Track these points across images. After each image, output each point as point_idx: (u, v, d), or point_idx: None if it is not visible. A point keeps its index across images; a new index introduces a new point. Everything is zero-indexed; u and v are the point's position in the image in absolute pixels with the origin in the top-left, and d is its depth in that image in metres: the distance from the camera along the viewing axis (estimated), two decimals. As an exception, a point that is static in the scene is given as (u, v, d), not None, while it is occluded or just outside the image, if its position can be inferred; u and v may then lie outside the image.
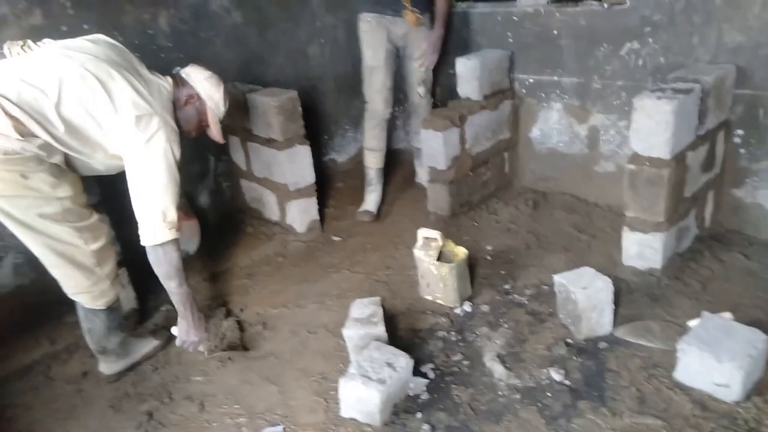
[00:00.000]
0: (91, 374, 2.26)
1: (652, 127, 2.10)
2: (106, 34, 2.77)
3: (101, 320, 2.13)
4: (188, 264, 2.96)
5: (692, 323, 2.00)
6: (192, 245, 3.08)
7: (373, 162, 3.36)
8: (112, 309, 2.17)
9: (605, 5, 2.70)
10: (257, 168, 3.19)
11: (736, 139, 2.51)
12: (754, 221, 2.58)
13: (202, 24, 3.14)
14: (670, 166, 2.14)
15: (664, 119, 2.06)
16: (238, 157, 3.31)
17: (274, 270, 2.89)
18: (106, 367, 2.21)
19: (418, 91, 3.25)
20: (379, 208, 3.37)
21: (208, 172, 3.36)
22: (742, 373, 1.69)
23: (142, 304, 2.60)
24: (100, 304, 2.10)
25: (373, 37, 3.06)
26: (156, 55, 2.99)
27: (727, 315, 2.03)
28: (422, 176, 3.43)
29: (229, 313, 2.54)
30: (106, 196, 2.40)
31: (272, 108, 2.84)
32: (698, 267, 2.43)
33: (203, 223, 3.21)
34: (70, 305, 2.14)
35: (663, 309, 2.22)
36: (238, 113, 3.11)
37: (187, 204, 3.15)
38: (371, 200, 3.38)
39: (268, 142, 2.98)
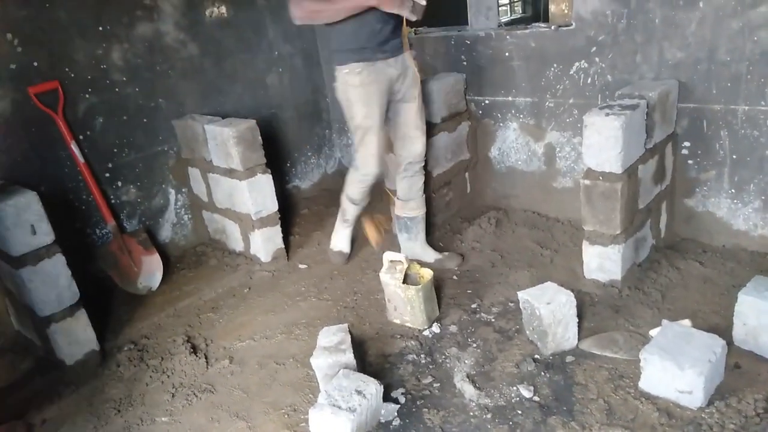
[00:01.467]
0: (49, 421, 2.17)
1: (603, 143, 2.17)
2: (58, 71, 2.76)
3: None
4: (150, 300, 2.92)
5: (653, 332, 2.05)
6: (154, 280, 3.03)
7: (354, 212, 2.97)
8: None
9: (552, 27, 2.80)
10: (219, 199, 3.15)
11: (684, 151, 2.61)
12: (707, 229, 2.67)
13: (156, 57, 3.12)
14: (623, 180, 2.21)
15: (614, 135, 2.13)
16: (198, 188, 3.27)
17: (239, 301, 2.84)
18: None
19: (416, 141, 2.69)
20: (352, 247, 3.08)
21: (168, 205, 3.31)
22: (703, 379, 1.73)
23: (103, 344, 2.52)
24: None
25: (367, 92, 2.47)
26: (111, 89, 2.96)
27: (686, 322, 2.08)
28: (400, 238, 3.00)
29: (194, 349, 2.48)
30: (66, 233, 2.34)
31: (231, 138, 2.83)
32: (657, 276, 2.49)
33: (165, 257, 3.17)
34: None
35: (625, 319, 2.27)
36: (197, 144, 3.09)
37: (148, 238, 3.10)
38: (344, 236, 3.02)
39: (229, 173, 2.96)
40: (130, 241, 3.02)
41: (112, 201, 3.04)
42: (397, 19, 2.41)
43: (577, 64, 2.77)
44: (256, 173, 2.94)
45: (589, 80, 2.77)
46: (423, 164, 2.78)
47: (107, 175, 3.02)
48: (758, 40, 2.27)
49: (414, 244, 2.90)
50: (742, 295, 1.94)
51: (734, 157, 2.48)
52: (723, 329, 2.04)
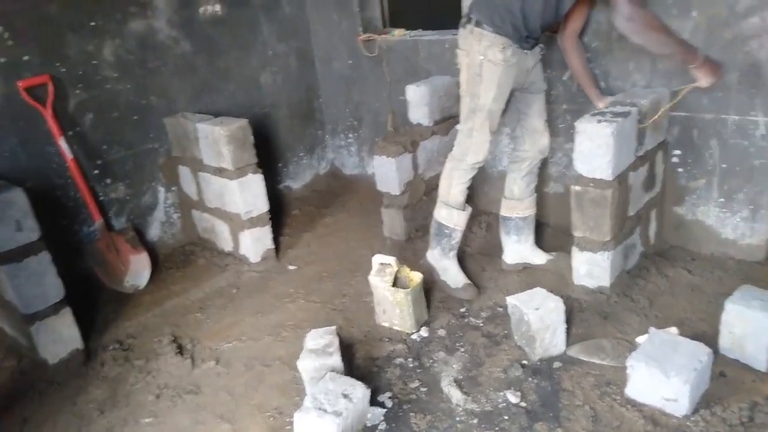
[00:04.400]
0: (30, 420, 2.14)
1: (594, 150, 2.17)
2: (49, 66, 2.74)
3: None
4: (137, 299, 2.90)
5: (640, 339, 2.05)
6: (141, 279, 3.00)
7: (463, 221, 2.57)
8: None
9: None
10: (209, 198, 3.13)
11: (674, 159, 2.62)
12: (695, 237, 2.68)
13: (149, 54, 3.10)
14: (613, 187, 2.21)
15: (605, 142, 2.13)
16: (188, 187, 3.24)
17: (227, 302, 2.82)
18: None
19: (544, 134, 2.55)
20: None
21: (157, 203, 3.28)
22: (688, 387, 1.73)
23: (87, 343, 2.49)
24: None
25: (507, 73, 2.24)
26: (101, 86, 2.93)
27: (674, 330, 2.09)
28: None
29: (180, 349, 2.46)
30: (52, 230, 2.32)
31: (222, 137, 2.81)
32: (645, 283, 2.50)
33: (153, 256, 3.14)
34: None
35: (613, 326, 2.27)
36: (188, 143, 3.07)
37: (136, 237, 3.08)
38: (456, 267, 2.63)
39: (220, 172, 2.94)
40: (118, 239, 2.99)
41: (101, 198, 3.01)
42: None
43: (568, 70, 2.77)
44: (247, 173, 2.92)
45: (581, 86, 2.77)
46: None
47: (96, 172, 2.99)
48: (749, 51, 2.28)
49: (523, 246, 2.72)
50: (729, 304, 1.95)
51: (724, 166, 2.49)
52: (710, 337, 2.04)
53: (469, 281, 2.57)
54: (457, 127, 2.47)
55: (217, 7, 3.36)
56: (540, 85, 2.45)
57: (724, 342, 2.00)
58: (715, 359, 1.90)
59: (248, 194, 2.94)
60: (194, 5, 3.26)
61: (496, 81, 2.24)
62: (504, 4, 2.17)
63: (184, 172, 3.22)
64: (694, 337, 2.02)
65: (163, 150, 3.25)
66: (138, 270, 3.01)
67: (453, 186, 2.49)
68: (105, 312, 2.78)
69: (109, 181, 3.05)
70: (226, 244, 3.19)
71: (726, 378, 1.92)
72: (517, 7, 2.15)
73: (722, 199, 2.55)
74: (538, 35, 2.31)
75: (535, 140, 2.53)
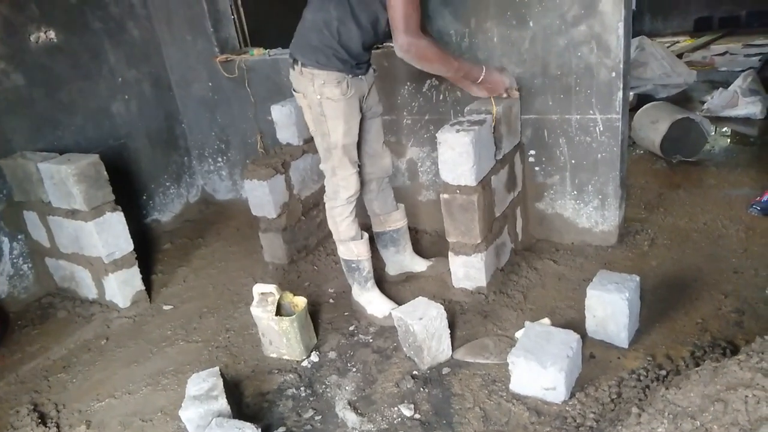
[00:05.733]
0: None
1: (457, 158, 2.26)
2: None
3: None
4: (-17, 371, 2.54)
5: (518, 334, 2.16)
6: (-12, 345, 2.64)
7: (363, 249, 2.49)
8: None
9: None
10: (63, 243, 2.84)
11: (531, 159, 2.80)
12: (557, 229, 2.89)
13: (-28, 90, 2.75)
14: (478, 191, 2.31)
15: (465, 150, 2.23)
16: (38, 233, 2.92)
17: (96, 356, 2.56)
18: None
19: (385, 156, 2.56)
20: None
21: (2, 255, 2.92)
22: (563, 374, 1.85)
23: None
24: None
25: (350, 105, 2.21)
26: None
27: (546, 321, 2.22)
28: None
29: (42, 419, 2.19)
30: None
31: (71, 176, 2.56)
32: (518, 278, 2.64)
33: (1, 316, 2.79)
34: None
35: (494, 324, 2.37)
36: (31, 185, 2.76)
37: (-23, 298, 2.70)
38: (380, 297, 2.55)
39: (72, 214, 2.68)
40: (-47, 302, 2.61)
41: (-73, 259, 2.62)
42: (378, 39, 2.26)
43: (428, 81, 2.87)
44: (104, 212, 2.68)
45: (441, 96, 2.89)
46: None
47: None
48: (581, 56, 2.50)
49: (403, 257, 2.77)
50: (590, 290, 2.11)
51: (573, 162, 2.71)
52: (578, 322, 2.20)
53: (394, 306, 2.45)
54: (320, 166, 2.44)
55: (52, 34, 3.06)
56: (376, 109, 2.44)
57: (590, 325, 2.16)
58: (584, 343, 2.05)
59: (108, 235, 2.70)
60: (23, 33, 2.94)
61: (342, 116, 2.21)
62: (322, 42, 2.14)
63: (31, 218, 2.89)
64: (565, 324, 2.17)
65: (2, 195, 2.89)
66: (-17, 335, 2.65)
67: (338, 224, 2.45)
68: (-56, 390, 2.42)
69: (-65, 237, 2.66)
70: (90, 292, 2.90)
71: (595, 359, 2.08)
72: (335, 42, 2.13)
73: (575, 192, 2.77)
74: (367, 58, 2.30)
75: (376, 162, 2.54)
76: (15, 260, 2.98)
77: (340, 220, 2.43)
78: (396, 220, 2.71)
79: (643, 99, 4.67)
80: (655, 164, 3.73)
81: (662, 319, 2.23)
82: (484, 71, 2.34)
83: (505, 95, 2.50)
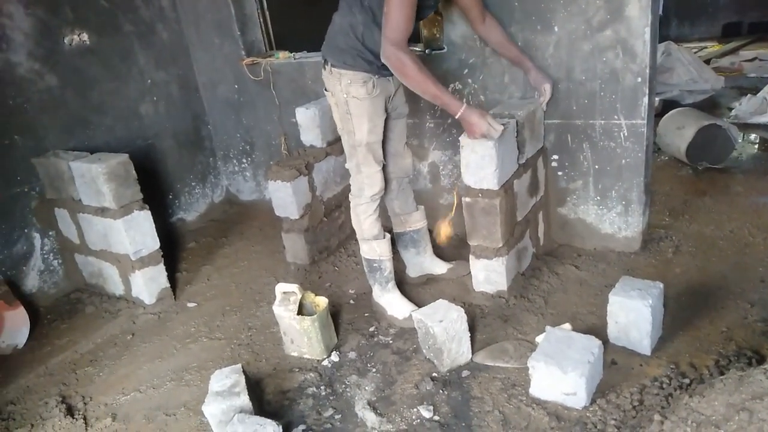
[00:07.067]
0: None
1: (479, 162, 2.27)
2: None
3: None
4: (17, 360, 2.62)
5: (539, 339, 2.15)
6: (20, 337, 2.73)
7: (385, 249, 2.51)
8: None
9: (426, 51, 2.90)
10: (92, 240, 2.91)
11: (554, 164, 2.80)
12: (579, 234, 2.87)
13: (8, 90, 2.84)
14: (501, 195, 2.31)
15: (488, 153, 2.23)
16: (68, 230, 3.00)
17: (122, 351, 2.62)
18: None
19: (406, 156, 2.59)
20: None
21: (33, 251, 3.00)
22: (584, 380, 1.84)
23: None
24: None
25: (375, 104, 2.26)
26: (-48, 128, 2.64)
27: (567, 326, 2.21)
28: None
29: (70, 410, 2.25)
30: None
31: (101, 175, 2.62)
32: (539, 283, 2.63)
33: (32, 310, 2.87)
34: None
35: (514, 328, 2.37)
36: (62, 183, 2.84)
37: (9, 291, 2.79)
38: (401, 299, 2.57)
39: (102, 212, 2.74)
40: (-13, 296, 2.70)
41: (-37, 252, 2.71)
42: None
43: (452, 85, 2.88)
44: (132, 210, 2.75)
45: (464, 101, 2.88)
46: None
47: (-45, 223, 2.69)
48: (606, 61, 2.49)
49: (423, 258, 2.78)
50: (612, 296, 2.10)
51: (597, 167, 2.70)
52: (599, 328, 2.19)
53: (414, 308, 2.46)
54: (346, 165, 2.48)
55: (85, 37, 3.15)
56: (402, 110, 2.47)
57: (612, 331, 2.15)
58: (605, 349, 2.04)
59: (136, 233, 2.76)
60: (57, 36, 3.03)
61: (367, 115, 2.26)
62: (348, 45, 2.20)
63: (62, 215, 2.98)
64: (586, 330, 2.16)
65: (35, 193, 2.98)
66: (15, 327, 2.73)
67: (362, 221, 2.48)
68: (-23, 380, 2.50)
69: (-29, 232, 2.75)
70: (117, 288, 2.97)
71: (617, 365, 2.07)
72: (359, 44, 2.18)
73: (598, 197, 2.75)
74: None
75: (398, 162, 2.56)
76: (46, 256, 3.06)
77: (364, 217, 2.46)
78: (416, 221, 2.73)
79: (669, 105, 4.62)
80: (681, 171, 3.68)
81: (686, 327, 2.20)
82: (462, 110, 2.18)
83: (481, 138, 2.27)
